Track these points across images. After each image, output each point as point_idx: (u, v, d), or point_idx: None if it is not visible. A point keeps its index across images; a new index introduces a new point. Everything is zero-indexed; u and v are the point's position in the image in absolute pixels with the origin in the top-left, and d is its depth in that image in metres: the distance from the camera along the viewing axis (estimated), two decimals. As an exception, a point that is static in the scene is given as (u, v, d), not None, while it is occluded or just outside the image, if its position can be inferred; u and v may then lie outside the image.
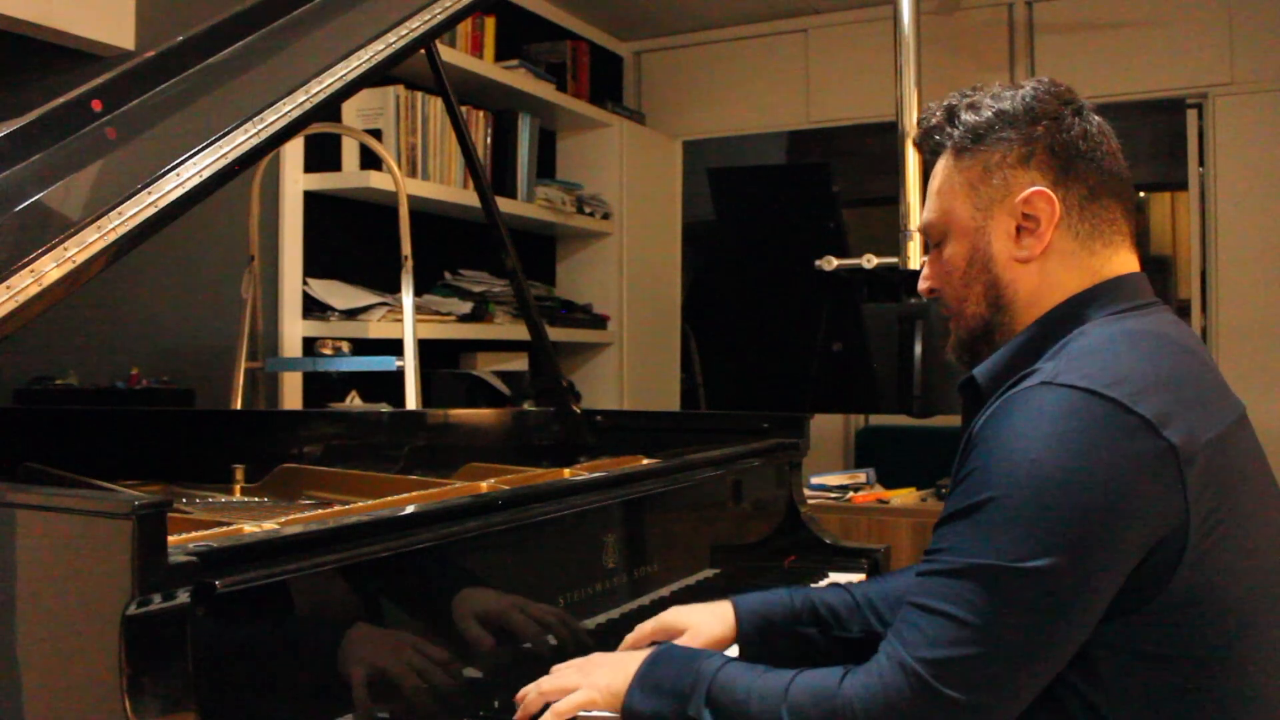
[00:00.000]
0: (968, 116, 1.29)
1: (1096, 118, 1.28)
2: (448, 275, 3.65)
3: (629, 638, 1.45)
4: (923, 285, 1.37)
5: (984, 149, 1.27)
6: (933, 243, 1.34)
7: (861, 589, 1.48)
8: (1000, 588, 1.06)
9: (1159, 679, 1.10)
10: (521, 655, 1.34)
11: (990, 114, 1.27)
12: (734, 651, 1.45)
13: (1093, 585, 1.07)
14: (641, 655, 1.24)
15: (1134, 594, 1.09)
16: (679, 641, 1.39)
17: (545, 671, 1.36)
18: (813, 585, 1.54)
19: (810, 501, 2.50)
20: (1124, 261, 1.27)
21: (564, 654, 1.41)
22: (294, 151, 3.07)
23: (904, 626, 1.11)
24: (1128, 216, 1.28)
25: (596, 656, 1.30)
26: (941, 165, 1.32)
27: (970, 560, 1.08)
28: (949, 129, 1.30)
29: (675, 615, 1.45)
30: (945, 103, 1.33)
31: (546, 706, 1.22)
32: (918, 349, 3.35)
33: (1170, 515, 1.08)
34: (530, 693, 1.24)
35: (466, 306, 3.49)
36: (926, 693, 1.06)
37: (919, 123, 1.36)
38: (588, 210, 4.18)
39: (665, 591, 1.68)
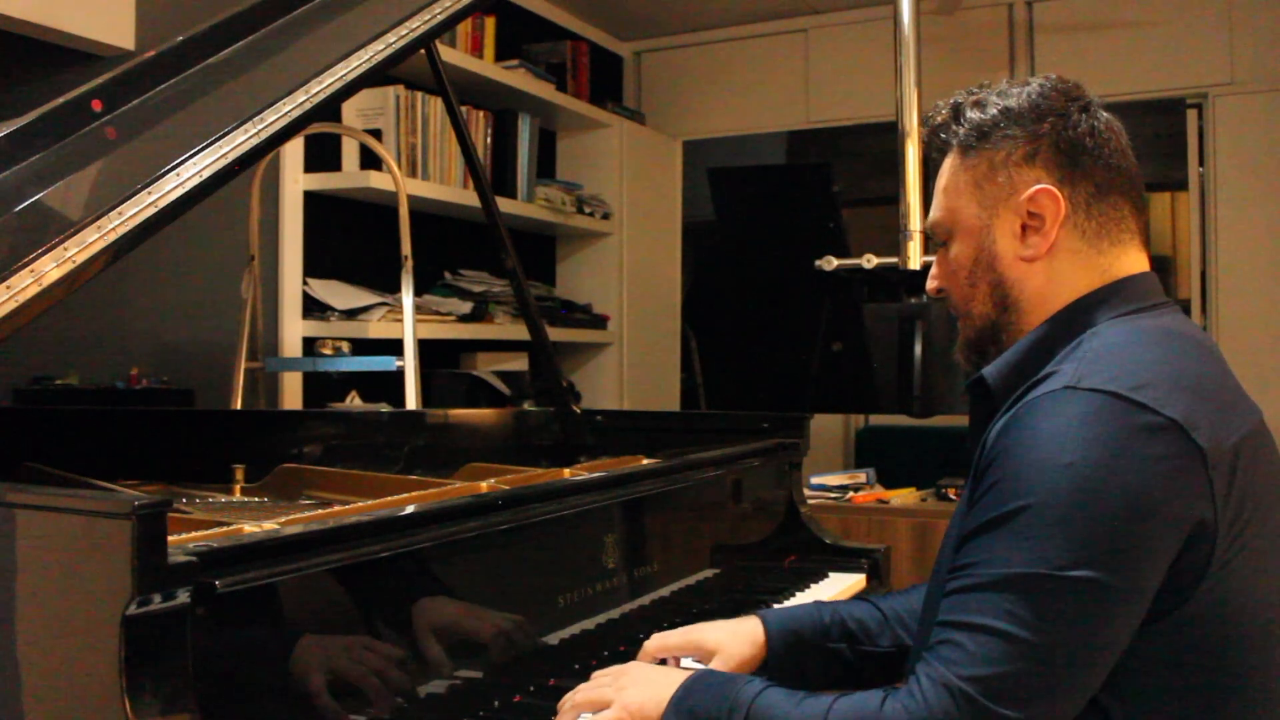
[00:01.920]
0: (973, 114, 1.27)
1: (1105, 114, 1.27)
2: (448, 275, 3.65)
3: (651, 645, 1.40)
4: (930, 285, 1.35)
5: (989, 147, 1.25)
6: (939, 242, 1.33)
7: (887, 602, 1.45)
8: (1045, 597, 1.04)
9: (1179, 686, 1.09)
10: (521, 655, 1.34)
11: (996, 111, 1.26)
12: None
13: (1136, 588, 1.05)
14: (678, 677, 1.21)
15: (1159, 600, 1.07)
16: (711, 665, 1.36)
17: (545, 672, 1.36)
18: (837, 600, 1.51)
19: (810, 501, 2.50)
20: (1134, 260, 1.25)
21: (565, 654, 1.41)
22: (294, 151, 3.07)
23: (943, 646, 1.07)
24: (1137, 214, 1.26)
25: (633, 670, 1.26)
26: (948, 164, 1.30)
27: (1009, 571, 1.05)
28: (955, 127, 1.29)
29: (703, 635, 1.40)
30: (952, 100, 1.31)
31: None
32: (918, 349, 3.35)
33: (1199, 519, 1.06)
34: (565, 704, 1.23)
35: (466, 306, 3.49)
36: (977, 713, 1.03)
37: (926, 121, 1.35)
38: (588, 210, 4.18)
39: (665, 591, 1.68)
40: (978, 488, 1.14)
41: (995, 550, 1.07)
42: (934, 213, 1.33)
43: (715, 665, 1.36)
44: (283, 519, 1.28)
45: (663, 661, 1.39)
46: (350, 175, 3.17)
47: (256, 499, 1.78)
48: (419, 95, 3.29)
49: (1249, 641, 1.10)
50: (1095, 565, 1.03)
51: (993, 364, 1.26)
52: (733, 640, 1.39)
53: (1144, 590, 1.06)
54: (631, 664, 1.29)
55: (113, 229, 1.15)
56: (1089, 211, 1.23)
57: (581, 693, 1.23)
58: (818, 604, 1.47)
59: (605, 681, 1.24)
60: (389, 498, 1.48)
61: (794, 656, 1.40)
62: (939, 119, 1.32)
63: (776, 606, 1.61)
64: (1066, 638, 1.04)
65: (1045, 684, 1.04)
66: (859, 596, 1.50)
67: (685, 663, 1.40)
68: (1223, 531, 1.07)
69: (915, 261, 3.25)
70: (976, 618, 1.06)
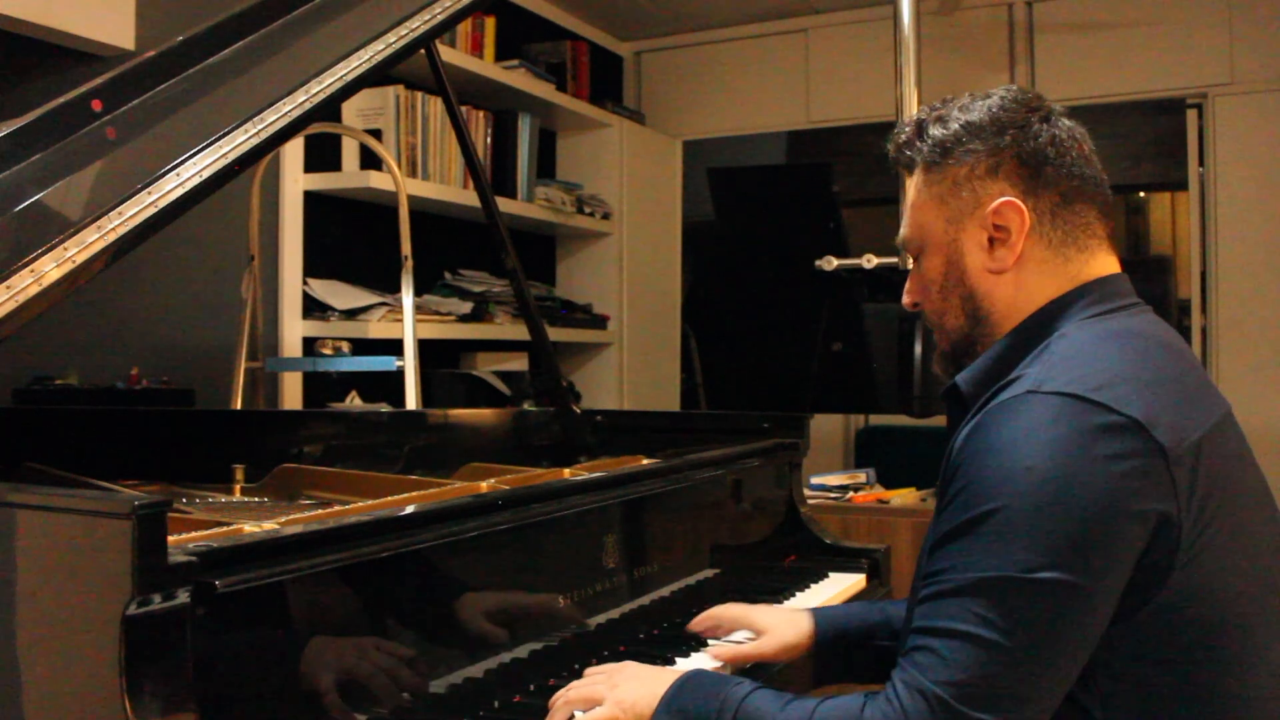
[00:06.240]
0: (935, 131, 1.29)
1: (1067, 122, 1.28)
2: (448, 275, 3.65)
3: (706, 617, 1.54)
4: (906, 299, 1.38)
5: (952, 162, 1.27)
6: (911, 257, 1.35)
7: None
8: (1014, 600, 1.05)
9: (1152, 681, 1.10)
10: (521, 655, 1.34)
11: (957, 127, 1.27)
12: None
13: (1102, 587, 1.07)
14: (670, 676, 1.23)
15: (1128, 596, 1.09)
16: (758, 642, 1.48)
17: (545, 673, 1.36)
18: (885, 600, 1.58)
19: (810, 501, 2.50)
20: (1102, 264, 1.27)
21: (565, 654, 1.41)
22: (294, 151, 3.07)
23: (917, 652, 1.09)
24: (1103, 219, 1.28)
25: (628, 668, 1.28)
26: (914, 180, 1.32)
27: (978, 575, 1.07)
28: (918, 144, 1.31)
29: (757, 615, 1.51)
30: (916, 117, 1.33)
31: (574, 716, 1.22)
32: (918, 349, 3.35)
33: (1162, 514, 1.08)
34: (558, 701, 1.24)
35: (466, 306, 3.49)
36: (952, 717, 1.05)
37: (891, 138, 1.37)
38: (588, 210, 4.18)
39: (665, 591, 1.68)
40: (945, 494, 1.16)
41: (963, 556, 1.09)
42: (904, 229, 1.35)
43: (763, 644, 1.48)
44: (283, 519, 1.28)
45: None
46: (350, 175, 3.17)
47: (256, 499, 1.78)
48: (419, 95, 3.29)
49: (1220, 633, 1.11)
50: (1062, 567, 1.05)
51: (965, 370, 1.29)
52: (782, 625, 1.49)
53: (1111, 589, 1.08)
54: (626, 662, 1.31)
55: (113, 229, 1.15)
56: (1054, 220, 1.25)
57: (574, 690, 1.25)
58: (868, 603, 1.57)
59: (598, 679, 1.25)
60: (389, 498, 1.48)
61: (840, 650, 1.49)
62: (903, 137, 1.34)
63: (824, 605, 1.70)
64: (1037, 639, 1.05)
65: (1018, 686, 1.06)
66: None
67: (736, 636, 1.53)
68: (1187, 526, 1.08)
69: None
70: (948, 623, 1.08)
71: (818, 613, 1.51)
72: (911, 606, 1.25)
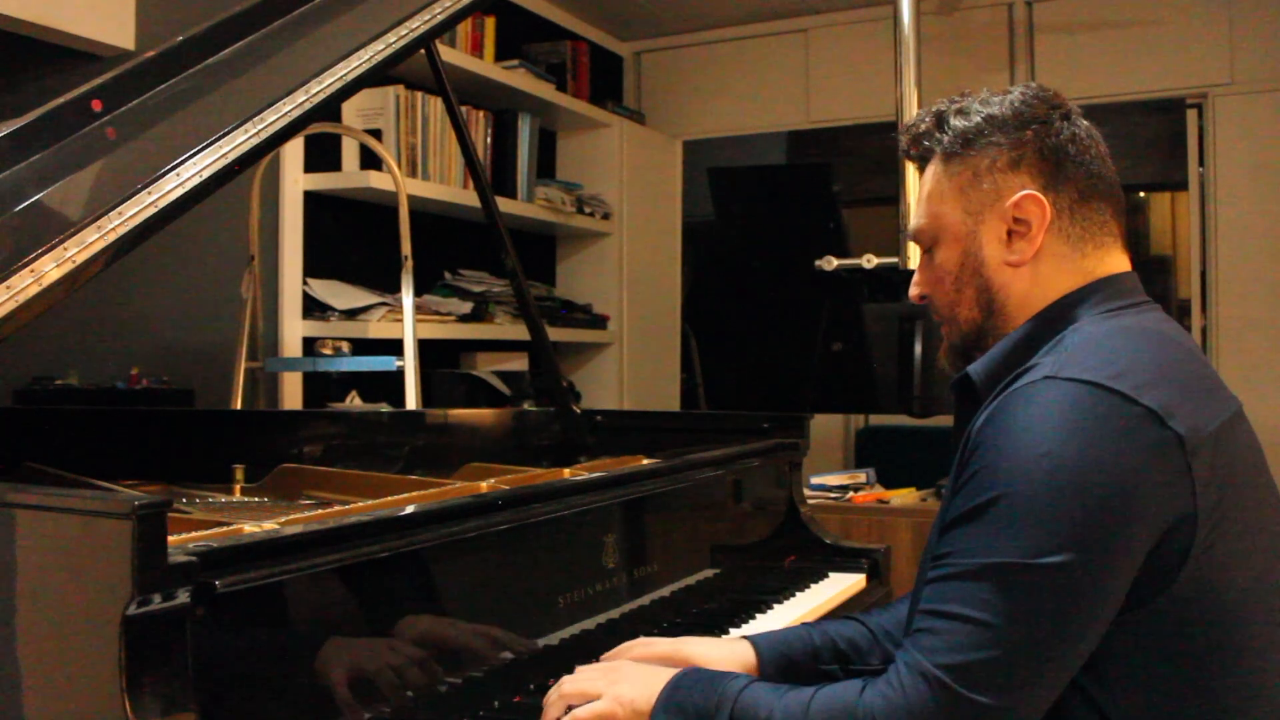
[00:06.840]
0: (957, 122, 1.29)
1: (1084, 121, 1.29)
2: (448, 275, 3.65)
3: (637, 650, 1.37)
4: (913, 291, 1.37)
5: (973, 154, 1.27)
6: (923, 248, 1.35)
7: (875, 620, 1.45)
8: (1019, 585, 1.05)
9: (1162, 673, 1.10)
10: (521, 655, 1.34)
11: (979, 119, 1.28)
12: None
13: (1111, 577, 1.07)
14: (666, 673, 1.23)
15: (1141, 588, 1.09)
16: None
17: (545, 673, 1.36)
18: (825, 620, 1.50)
19: (810, 501, 2.50)
20: (1116, 262, 1.28)
21: (565, 654, 1.41)
22: (294, 151, 3.07)
23: (921, 634, 1.09)
24: (1118, 218, 1.29)
25: (625, 667, 1.27)
26: (931, 171, 1.32)
27: (986, 560, 1.07)
28: (938, 134, 1.30)
29: (693, 649, 1.37)
30: (934, 109, 1.33)
31: (570, 709, 1.22)
32: (918, 349, 3.35)
33: (1178, 506, 1.08)
34: (552, 695, 1.24)
35: (466, 306, 3.49)
36: (952, 699, 1.05)
37: (907, 129, 1.36)
38: (588, 210, 4.18)
39: (665, 591, 1.68)
40: (960, 476, 1.16)
41: (972, 540, 1.09)
42: (917, 220, 1.34)
43: None
44: (283, 519, 1.27)
45: None
46: (350, 175, 3.17)
47: (256, 499, 1.78)
48: (419, 95, 3.29)
49: (1230, 627, 1.11)
50: (1070, 553, 1.05)
51: (978, 361, 1.29)
52: (722, 658, 1.36)
53: (1121, 578, 1.08)
54: (623, 661, 1.30)
55: (113, 229, 1.15)
56: (1073, 216, 1.26)
57: (568, 684, 1.24)
58: (806, 626, 1.46)
59: (594, 675, 1.25)
60: (389, 498, 1.48)
61: (785, 679, 1.36)
62: (921, 127, 1.33)
63: (759, 628, 1.60)
64: (1041, 626, 1.05)
65: (1019, 671, 1.06)
66: (846, 616, 1.50)
67: None
68: (1203, 518, 1.08)
69: (915, 261, 3.24)
70: (953, 606, 1.08)
71: (758, 641, 1.40)
72: (918, 590, 1.25)
